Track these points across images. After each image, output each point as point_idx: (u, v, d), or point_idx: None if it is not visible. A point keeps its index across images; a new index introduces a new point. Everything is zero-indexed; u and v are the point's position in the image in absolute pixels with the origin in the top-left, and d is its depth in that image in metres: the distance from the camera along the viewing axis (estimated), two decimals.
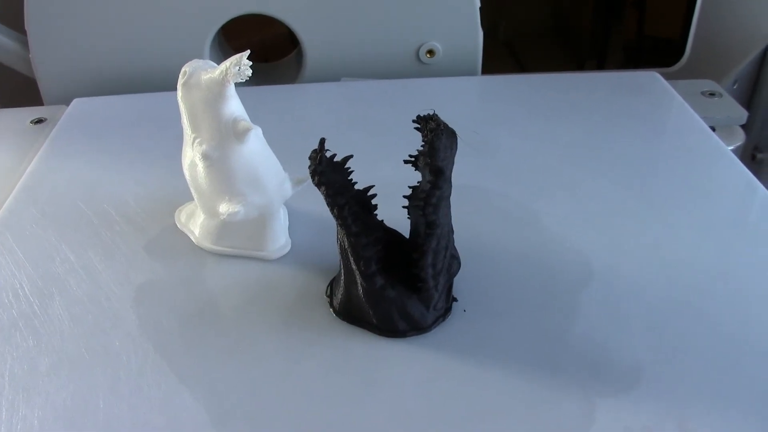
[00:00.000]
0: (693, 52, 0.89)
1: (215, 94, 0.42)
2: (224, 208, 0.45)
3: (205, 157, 0.43)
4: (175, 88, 0.44)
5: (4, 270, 0.46)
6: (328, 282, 0.44)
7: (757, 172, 0.62)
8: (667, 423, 0.35)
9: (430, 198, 0.37)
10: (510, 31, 1.11)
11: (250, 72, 0.41)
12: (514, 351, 0.39)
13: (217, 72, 0.42)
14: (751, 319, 0.41)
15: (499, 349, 0.39)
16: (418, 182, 0.38)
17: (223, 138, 0.43)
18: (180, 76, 0.43)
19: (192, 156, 0.45)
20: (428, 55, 0.76)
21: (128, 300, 0.44)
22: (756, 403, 0.36)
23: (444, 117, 0.39)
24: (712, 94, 0.74)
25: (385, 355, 0.39)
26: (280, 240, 0.47)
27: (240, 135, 0.43)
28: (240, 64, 0.40)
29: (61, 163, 0.59)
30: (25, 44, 0.76)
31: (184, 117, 0.44)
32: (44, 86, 0.76)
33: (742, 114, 0.71)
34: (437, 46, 0.76)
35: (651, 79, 0.71)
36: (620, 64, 1.11)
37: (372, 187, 0.39)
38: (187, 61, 0.44)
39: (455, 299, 0.42)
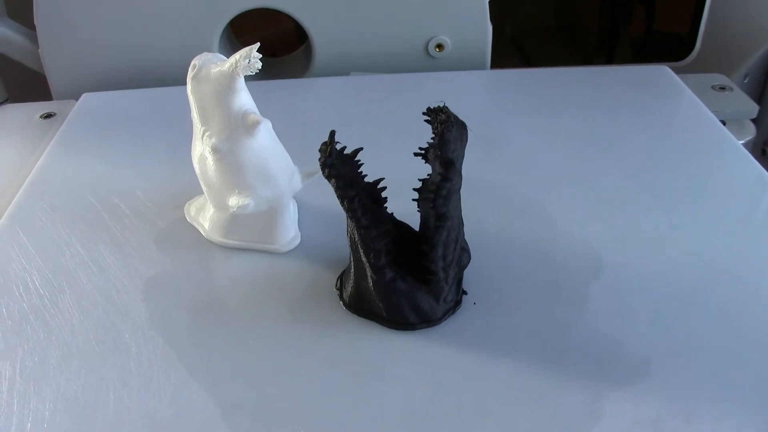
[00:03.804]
0: (703, 46, 0.88)
1: (225, 87, 0.42)
2: (234, 201, 0.45)
3: (215, 150, 0.43)
4: (184, 83, 0.44)
5: (14, 264, 0.47)
6: (338, 275, 0.44)
7: (766, 167, 0.62)
8: (675, 415, 0.35)
9: (440, 190, 0.36)
10: (517, 27, 1.11)
11: (259, 65, 0.41)
12: (523, 343, 0.39)
13: (227, 65, 0.42)
14: (760, 312, 0.41)
15: (508, 342, 0.39)
16: (428, 175, 0.38)
17: (233, 131, 0.43)
18: (189, 70, 0.43)
19: (202, 149, 0.45)
20: (437, 50, 0.76)
21: (138, 293, 0.44)
22: (763, 395, 0.36)
23: (453, 111, 0.39)
24: (722, 88, 0.73)
25: (395, 347, 0.39)
26: (289, 233, 0.47)
27: (250, 128, 0.43)
28: (250, 56, 0.40)
29: (71, 158, 0.59)
30: (34, 39, 0.76)
31: (194, 110, 0.44)
32: (53, 81, 0.76)
33: (753, 108, 0.70)
34: (446, 40, 0.76)
35: (661, 72, 0.71)
36: (629, 60, 1.11)
37: (382, 179, 0.39)
38: (195, 56, 0.44)
39: (465, 292, 0.42)
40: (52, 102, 0.74)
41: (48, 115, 0.70)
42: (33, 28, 0.74)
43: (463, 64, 0.77)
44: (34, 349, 0.40)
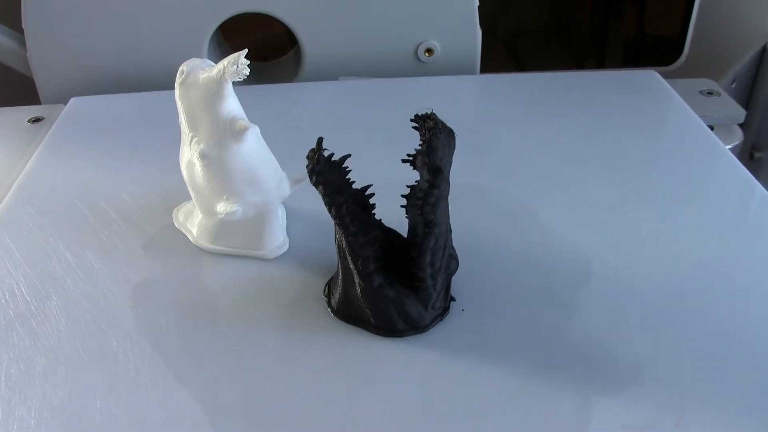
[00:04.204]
0: (692, 50, 0.89)
1: (213, 93, 0.42)
2: (222, 207, 0.45)
3: (203, 156, 0.43)
4: (173, 87, 0.44)
5: (0, 269, 0.46)
6: (326, 281, 0.44)
7: (755, 171, 0.62)
8: (665, 420, 0.35)
9: (428, 197, 0.36)
10: (509, 29, 1.11)
11: (247, 71, 0.41)
12: (512, 349, 0.39)
13: (215, 71, 0.42)
14: (749, 316, 0.41)
15: (497, 348, 0.39)
16: (416, 181, 0.38)
17: (221, 137, 0.43)
18: (178, 75, 0.43)
19: (190, 155, 0.45)
20: (427, 54, 0.76)
21: (126, 299, 0.44)
22: (753, 399, 0.36)
23: (442, 116, 0.39)
24: (710, 93, 0.74)
25: (383, 354, 0.39)
26: (278, 239, 0.47)
27: (238, 134, 0.43)
28: (238, 62, 0.40)
29: (59, 162, 0.59)
30: (22, 43, 0.75)
31: (182, 116, 0.44)
32: (42, 85, 0.75)
33: (741, 113, 0.71)
34: (436, 44, 0.76)
35: (649, 77, 0.71)
36: (620, 63, 1.11)
37: (370, 186, 0.39)
38: (185, 60, 0.44)
39: (453, 298, 0.42)
40: (40, 106, 0.73)
41: (36, 120, 0.69)
42: (21, 31, 0.73)
43: (453, 68, 0.77)
44: (20, 357, 0.40)
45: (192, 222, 0.49)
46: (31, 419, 0.36)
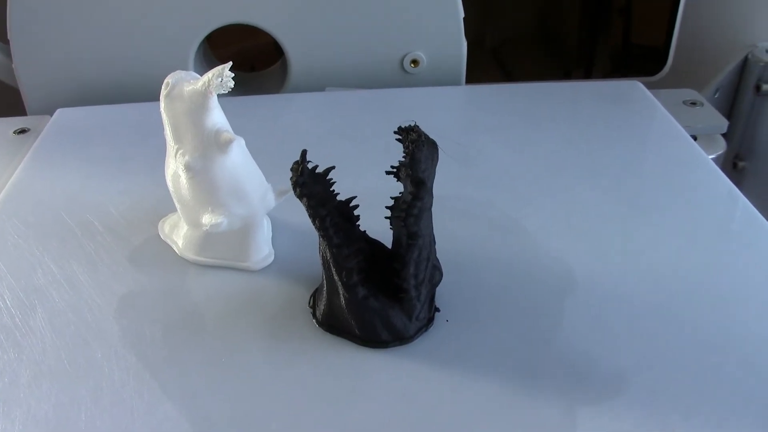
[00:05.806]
0: (675, 61, 0.90)
1: (198, 105, 0.42)
2: (207, 219, 0.45)
3: (188, 168, 0.43)
4: (158, 99, 0.44)
5: None
6: (311, 293, 0.44)
7: (737, 181, 0.63)
8: (651, 430, 0.35)
9: (411, 209, 0.37)
10: (495, 39, 1.11)
11: (232, 83, 0.41)
12: (497, 360, 0.39)
13: (200, 83, 0.42)
14: (733, 325, 0.42)
15: (481, 359, 0.40)
16: (400, 193, 0.38)
17: (206, 149, 0.43)
18: (163, 88, 0.44)
19: (175, 167, 0.45)
20: (413, 65, 0.77)
21: (111, 311, 0.44)
22: (739, 408, 0.36)
23: (428, 127, 0.39)
24: (693, 104, 0.74)
25: (367, 365, 0.39)
26: (263, 251, 0.47)
27: (223, 146, 0.43)
28: (222, 75, 0.41)
29: (45, 174, 0.59)
30: (7, 53, 0.75)
31: (167, 128, 0.44)
32: (27, 96, 0.75)
33: (723, 123, 0.71)
34: (421, 56, 0.76)
35: (633, 88, 0.72)
36: (606, 72, 1.12)
37: (354, 198, 0.39)
38: (170, 72, 0.44)
39: (438, 309, 0.43)
40: (25, 117, 0.73)
41: (22, 131, 0.69)
42: (6, 41, 0.73)
43: (439, 79, 0.77)
44: (4, 369, 0.39)
45: (177, 234, 0.49)
46: None
